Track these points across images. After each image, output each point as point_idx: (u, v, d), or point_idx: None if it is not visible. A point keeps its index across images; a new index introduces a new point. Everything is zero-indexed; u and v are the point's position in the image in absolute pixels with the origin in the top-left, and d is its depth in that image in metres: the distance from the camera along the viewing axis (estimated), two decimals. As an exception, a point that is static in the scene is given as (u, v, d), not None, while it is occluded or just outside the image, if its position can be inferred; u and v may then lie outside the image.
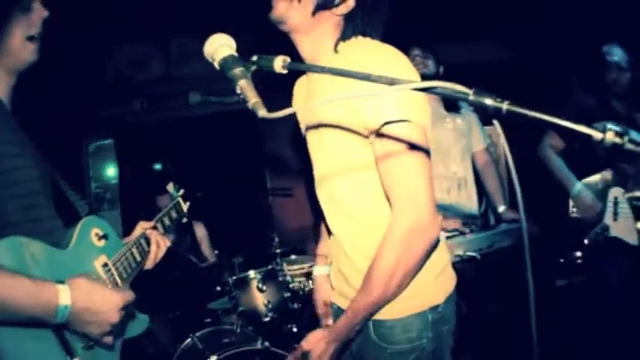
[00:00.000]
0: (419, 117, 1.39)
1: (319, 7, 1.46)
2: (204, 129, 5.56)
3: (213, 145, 5.62)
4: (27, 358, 1.22)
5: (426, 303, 1.49)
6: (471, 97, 0.79)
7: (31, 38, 1.46)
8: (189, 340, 2.80)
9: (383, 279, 1.39)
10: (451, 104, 3.05)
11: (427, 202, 1.37)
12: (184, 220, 2.12)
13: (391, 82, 0.87)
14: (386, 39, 1.50)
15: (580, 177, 3.11)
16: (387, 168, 1.39)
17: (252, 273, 3.21)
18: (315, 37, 1.51)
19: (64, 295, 1.22)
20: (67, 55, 4.21)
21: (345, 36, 1.49)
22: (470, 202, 3.05)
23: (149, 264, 1.75)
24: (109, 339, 1.36)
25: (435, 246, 1.46)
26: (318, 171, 1.65)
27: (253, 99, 1.03)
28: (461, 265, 2.28)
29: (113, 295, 1.33)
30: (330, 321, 1.76)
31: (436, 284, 1.52)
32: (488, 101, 0.77)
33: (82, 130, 5.20)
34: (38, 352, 1.24)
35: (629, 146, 0.70)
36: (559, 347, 3.02)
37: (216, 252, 4.44)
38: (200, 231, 4.46)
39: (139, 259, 1.68)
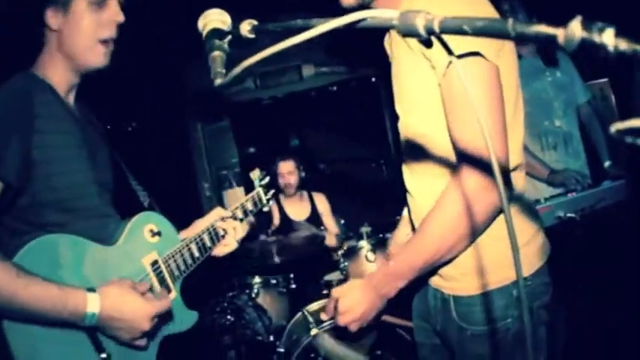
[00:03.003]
0: (491, 53, 1.18)
1: None
2: (321, 101, 5.57)
3: (332, 116, 5.61)
4: (58, 352, 1.26)
5: (510, 276, 1.31)
6: (396, 22, 0.61)
7: (103, 42, 1.42)
8: (300, 314, 2.82)
9: (438, 235, 1.25)
10: (549, 58, 2.92)
11: (500, 156, 1.18)
12: (265, 209, 2.09)
13: (321, 23, 0.73)
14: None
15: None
16: (453, 113, 1.22)
17: (362, 243, 3.14)
18: None
19: (93, 303, 1.24)
20: (170, 40, 4.49)
21: None
22: (577, 159, 2.92)
23: (221, 251, 1.74)
24: (141, 342, 1.37)
25: (501, 210, 1.25)
26: (399, 121, 1.50)
27: (216, 69, 0.98)
28: (560, 228, 2.07)
29: (145, 305, 1.32)
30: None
31: (521, 255, 1.31)
32: (419, 20, 0.59)
33: (197, 113, 5.40)
34: (69, 347, 1.28)
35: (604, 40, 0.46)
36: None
37: (342, 222, 4.43)
38: (321, 203, 4.44)
39: (197, 255, 1.64)
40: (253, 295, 3.05)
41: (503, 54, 1.24)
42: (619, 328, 2.44)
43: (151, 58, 4.60)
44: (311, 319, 2.72)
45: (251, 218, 2.06)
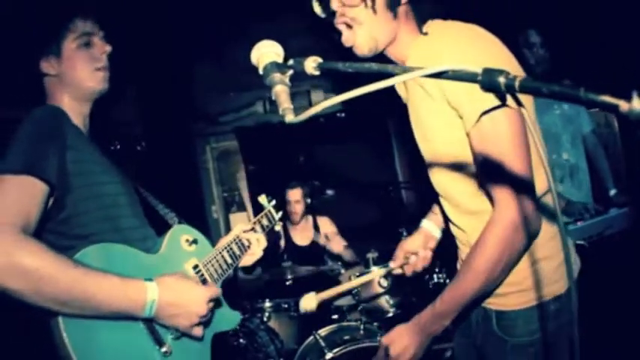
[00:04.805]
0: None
1: (394, 5, 1.42)
2: (329, 127, 5.66)
3: (340, 142, 5.70)
4: (118, 348, 1.31)
5: (549, 293, 1.45)
6: (480, 78, 0.70)
7: (97, 69, 1.56)
8: (311, 337, 2.87)
9: (485, 271, 1.35)
10: None
11: (529, 194, 1.32)
12: (277, 227, 2.24)
13: (404, 70, 0.81)
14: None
15: None
16: (486, 159, 1.34)
17: (374, 268, 3.19)
18: (400, 38, 1.49)
19: (152, 291, 1.31)
20: (183, 65, 4.54)
21: (420, 25, 1.47)
22: (581, 190, 3.02)
23: (249, 260, 1.88)
24: (198, 330, 1.44)
25: (535, 237, 1.39)
26: (427, 163, 1.61)
27: (283, 105, 1.01)
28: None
29: (200, 289, 1.42)
30: (397, 269, 1.84)
31: (558, 273, 1.46)
32: (501, 79, 0.68)
33: (205, 136, 5.50)
34: (128, 342, 1.33)
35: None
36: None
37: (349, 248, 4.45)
38: (326, 226, 4.48)
39: (229, 261, 1.77)
40: (265, 319, 3.09)
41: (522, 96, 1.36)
42: (628, 355, 2.48)
43: (161, 79, 4.68)
44: (323, 343, 2.77)
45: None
